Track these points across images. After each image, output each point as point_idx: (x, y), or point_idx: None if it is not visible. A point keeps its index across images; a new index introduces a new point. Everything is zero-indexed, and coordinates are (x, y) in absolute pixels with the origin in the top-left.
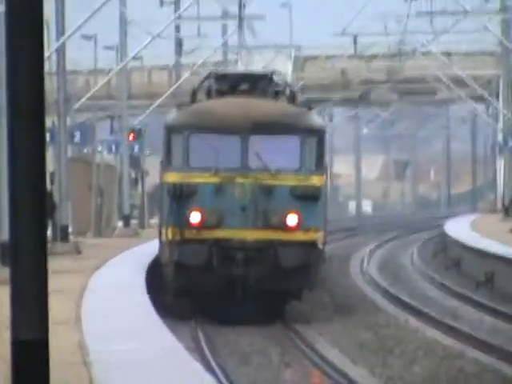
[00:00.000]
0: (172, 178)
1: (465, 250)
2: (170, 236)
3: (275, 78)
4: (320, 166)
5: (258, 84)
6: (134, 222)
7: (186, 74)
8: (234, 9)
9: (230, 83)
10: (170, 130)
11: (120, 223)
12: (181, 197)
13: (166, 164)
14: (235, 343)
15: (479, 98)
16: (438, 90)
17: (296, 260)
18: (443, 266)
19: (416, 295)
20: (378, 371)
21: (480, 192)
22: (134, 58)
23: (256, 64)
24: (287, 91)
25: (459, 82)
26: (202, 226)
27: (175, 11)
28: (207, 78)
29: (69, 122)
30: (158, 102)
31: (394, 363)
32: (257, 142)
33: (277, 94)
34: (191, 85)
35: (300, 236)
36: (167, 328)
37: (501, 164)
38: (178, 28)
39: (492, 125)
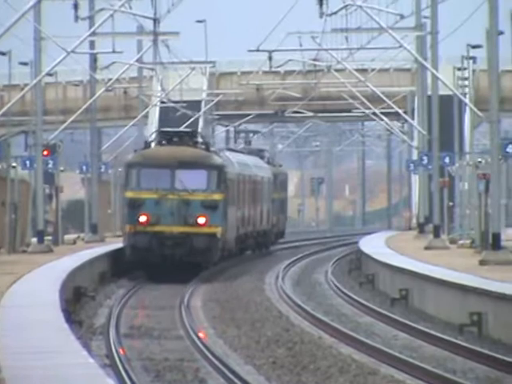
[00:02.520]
0: (129, 194)
1: (379, 267)
2: (128, 230)
3: (196, 133)
4: (219, 187)
5: (184, 137)
6: (48, 238)
7: (100, 90)
8: (149, 25)
9: (168, 136)
10: (129, 165)
11: (34, 239)
12: (134, 206)
13: (126, 185)
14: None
15: (394, 115)
16: (353, 107)
17: (203, 244)
18: (358, 283)
19: (330, 312)
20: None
21: (395, 209)
22: (49, 73)
23: (171, 80)
24: (202, 142)
25: (375, 98)
26: (147, 223)
27: (90, 27)
28: (155, 132)
29: None
30: (72, 117)
31: (308, 380)
32: (180, 173)
33: (195, 144)
34: (106, 100)
35: (206, 230)
36: (80, 344)
37: (415, 182)
38: (92, 44)
39: (407, 142)
